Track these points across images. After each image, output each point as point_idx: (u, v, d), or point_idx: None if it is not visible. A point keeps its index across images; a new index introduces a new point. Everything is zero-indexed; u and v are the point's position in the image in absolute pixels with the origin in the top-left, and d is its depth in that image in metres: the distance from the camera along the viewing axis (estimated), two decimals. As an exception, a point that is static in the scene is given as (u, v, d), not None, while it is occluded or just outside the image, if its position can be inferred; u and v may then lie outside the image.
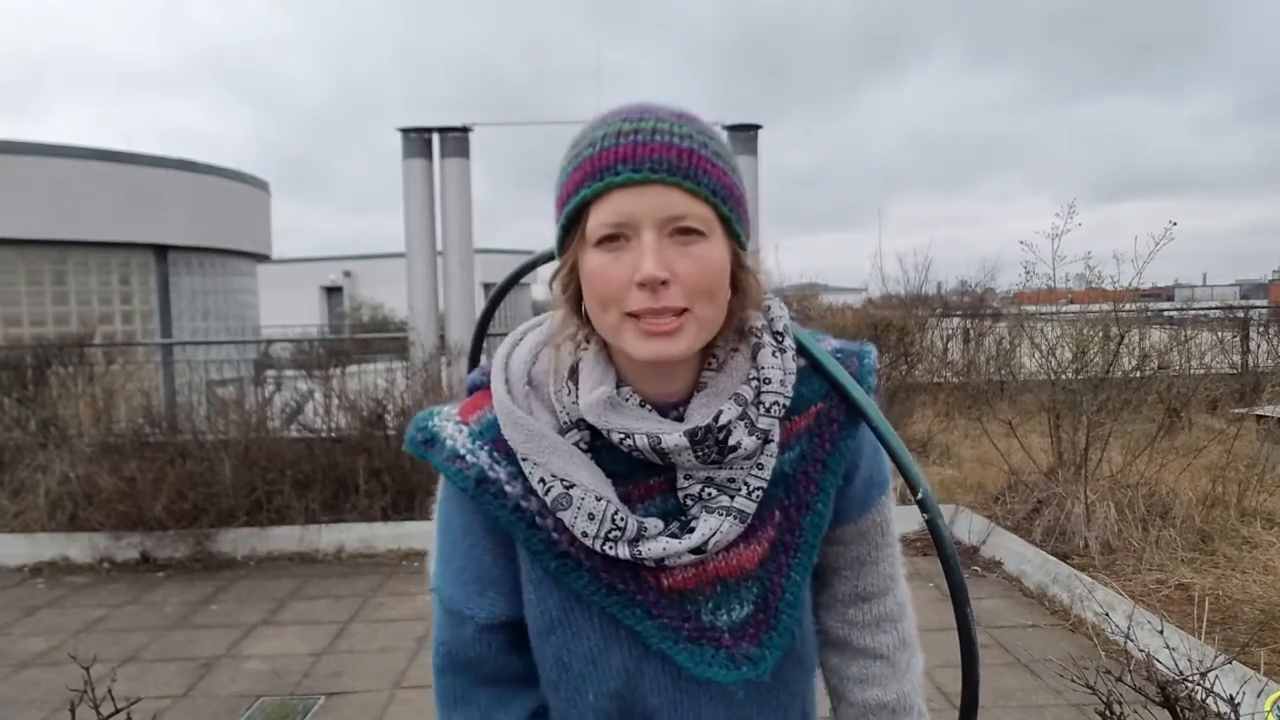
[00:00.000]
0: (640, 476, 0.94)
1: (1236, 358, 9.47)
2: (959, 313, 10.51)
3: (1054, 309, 8.03)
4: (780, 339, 0.95)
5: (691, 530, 0.92)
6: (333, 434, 6.30)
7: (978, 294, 11.51)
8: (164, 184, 11.64)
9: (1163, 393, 5.83)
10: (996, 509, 5.55)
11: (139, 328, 11.17)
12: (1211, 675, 2.08)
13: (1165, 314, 10.65)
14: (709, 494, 0.92)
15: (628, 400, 0.92)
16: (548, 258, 1.03)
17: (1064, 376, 5.54)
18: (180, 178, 11.94)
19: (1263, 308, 11.79)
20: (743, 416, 0.90)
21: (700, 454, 0.89)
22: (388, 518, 5.84)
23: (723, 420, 0.89)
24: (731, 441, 0.89)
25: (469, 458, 0.95)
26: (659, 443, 0.89)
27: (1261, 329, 10.08)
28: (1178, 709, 1.95)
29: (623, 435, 0.90)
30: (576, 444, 0.92)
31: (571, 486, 0.90)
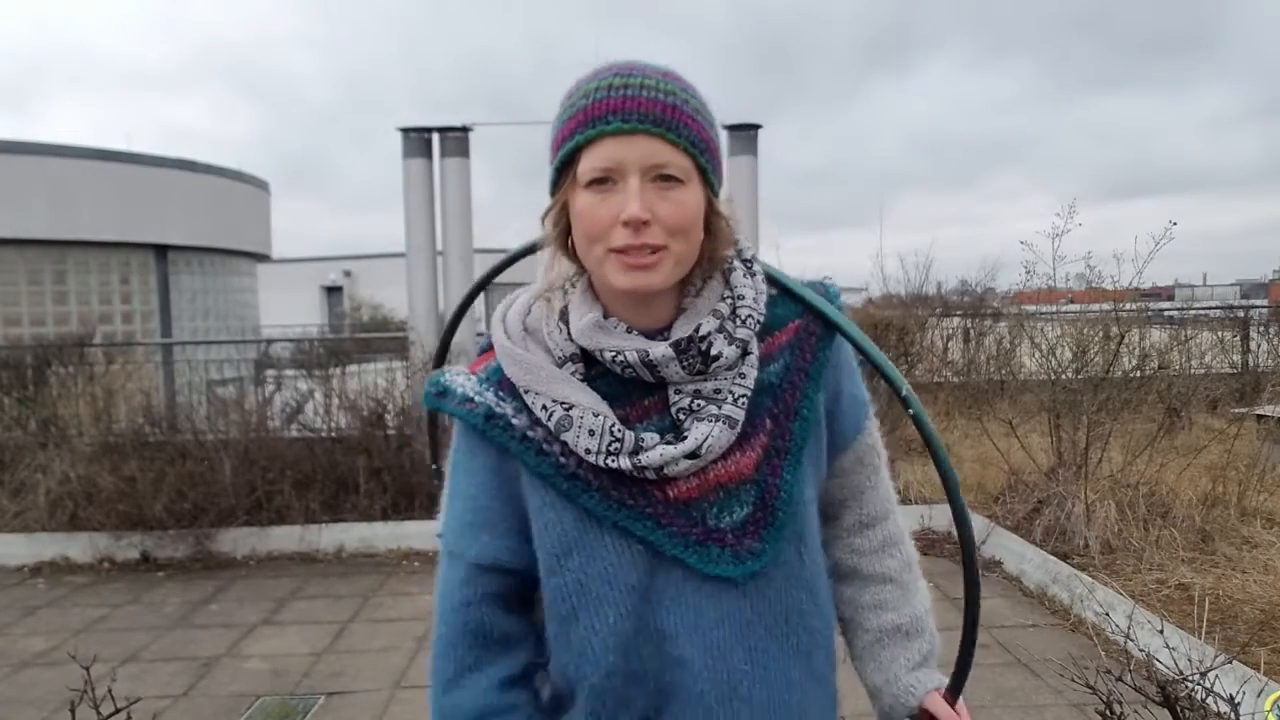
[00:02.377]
0: (635, 398, 1.02)
1: (1236, 357, 9.46)
2: (959, 312, 10.49)
3: (1054, 309, 8.02)
4: (750, 265, 1.06)
5: (685, 438, 0.99)
6: (333, 434, 6.30)
7: (978, 294, 11.49)
8: (164, 184, 11.64)
9: (1163, 392, 5.83)
10: (996, 509, 5.55)
11: (139, 328, 11.17)
12: (1211, 675, 2.08)
13: (1165, 314, 10.63)
14: (698, 405, 1.00)
15: (615, 327, 1.01)
16: (528, 251, 1.14)
17: (1064, 376, 5.54)
18: (180, 178, 11.94)
19: (1263, 307, 11.77)
20: (721, 329, 1.00)
21: (685, 364, 0.98)
22: (388, 517, 5.84)
23: (703, 331, 0.99)
24: (713, 352, 0.99)
25: (477, 398, 1.03)
26: (647, 355, 0.98)
27: (1261, 329, 10.07)
28: (1178, 709, 1.95)
29: (614, 353, 0.98)
30: (573, 374, 1.01)
31: (571, 408, 0.98)
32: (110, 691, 2.04)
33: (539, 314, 1.05)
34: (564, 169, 0.97)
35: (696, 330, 0.99)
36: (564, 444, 0.99)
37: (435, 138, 7.41)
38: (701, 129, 0.96)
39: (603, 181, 0.94)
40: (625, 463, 0.97)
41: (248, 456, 5.89)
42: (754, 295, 1.03)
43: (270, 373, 8.80)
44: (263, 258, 14.63)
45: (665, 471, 0.98)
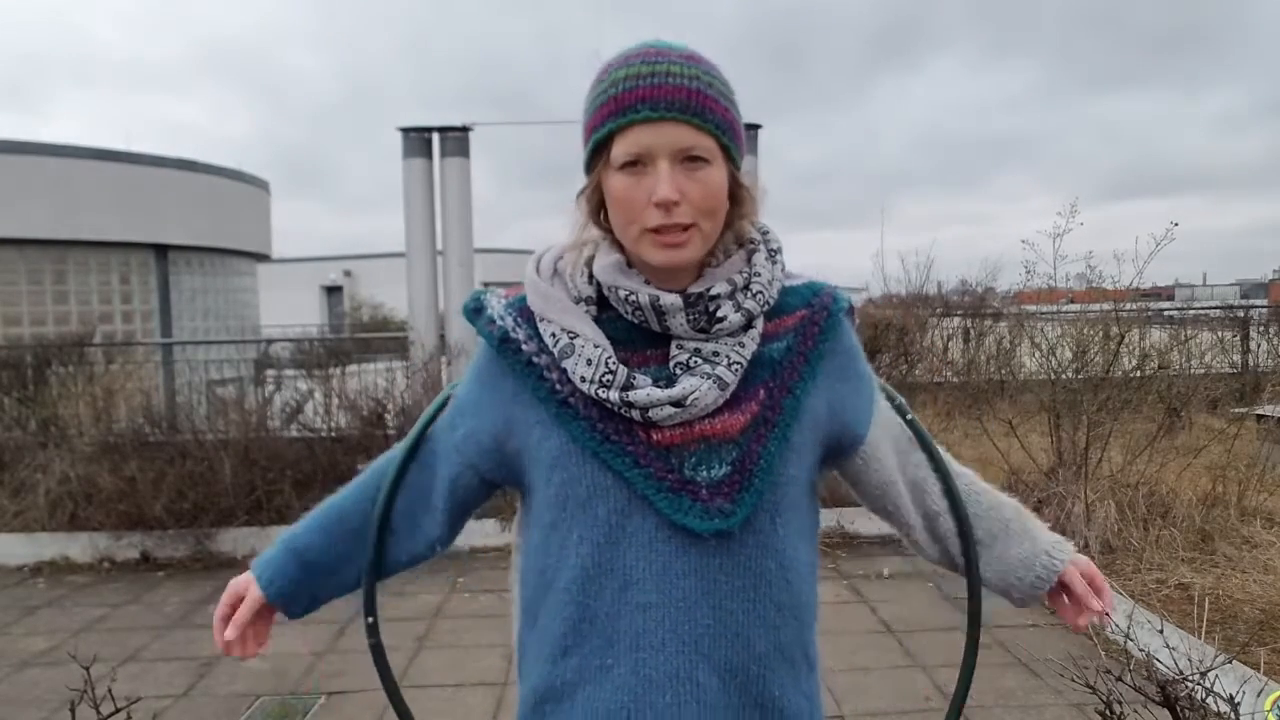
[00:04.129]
0: (640, 346, 1.09)
1: (1236, 357, 9.45)
2: (959, 312, 10.49)
3: (1054, 308, 8.02)
4: (775, 255, 1.13)
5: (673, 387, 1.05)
6: (333, 434, 6.30)
7: (978, 293, 11.49)
8: (164, 184, 11.64)
9: (1163, 392, 5.82)
10: (996, 509, 5.54)
11: (139, 327, 11.18)
12: (1211, 675, 2.08)
13: (1165, 313, 10.62)
14: (695, 362, 1.07)
15: (636, 275, 1.09)
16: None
17: (1064, 376, 5.54)
18: (180, 177, 11.94)
19: (1263, 307, 11.76)
20: (731, 296, 1.07)
21: (691, 318, 1.06)
22: (388, 517, 5.83)
23: (713, 292, 1.06)
24: (719, 314, 1.06)
25: (499, 321, 1.14)
26: (658, 300, 1.05)
27: (1261, 329, 10.06)
28: (1178, 709, 1.95)
29: (628, 292, 1.07)
30: (585, 313, 1.09)
31: (575, 337, 1.07)
32: (110, 691, 2.04)
33: (569, 260, 1.13)
34: (597, 152, 1.06)
35: (708, 290, 1.06)
36: (563, 372, 1.08)
37: (435, 137, 7.41)
38: (724, 110, 1.05)
39: (635, 164, 1.02)
40: (614, 396, 1.04)
41: (248, 456, 5.88)
42: (769, 277, 1.11)
43: (270, 372, 8.79)
44: (263, 257, 14.63)
45: (650, 415, 1.04)
